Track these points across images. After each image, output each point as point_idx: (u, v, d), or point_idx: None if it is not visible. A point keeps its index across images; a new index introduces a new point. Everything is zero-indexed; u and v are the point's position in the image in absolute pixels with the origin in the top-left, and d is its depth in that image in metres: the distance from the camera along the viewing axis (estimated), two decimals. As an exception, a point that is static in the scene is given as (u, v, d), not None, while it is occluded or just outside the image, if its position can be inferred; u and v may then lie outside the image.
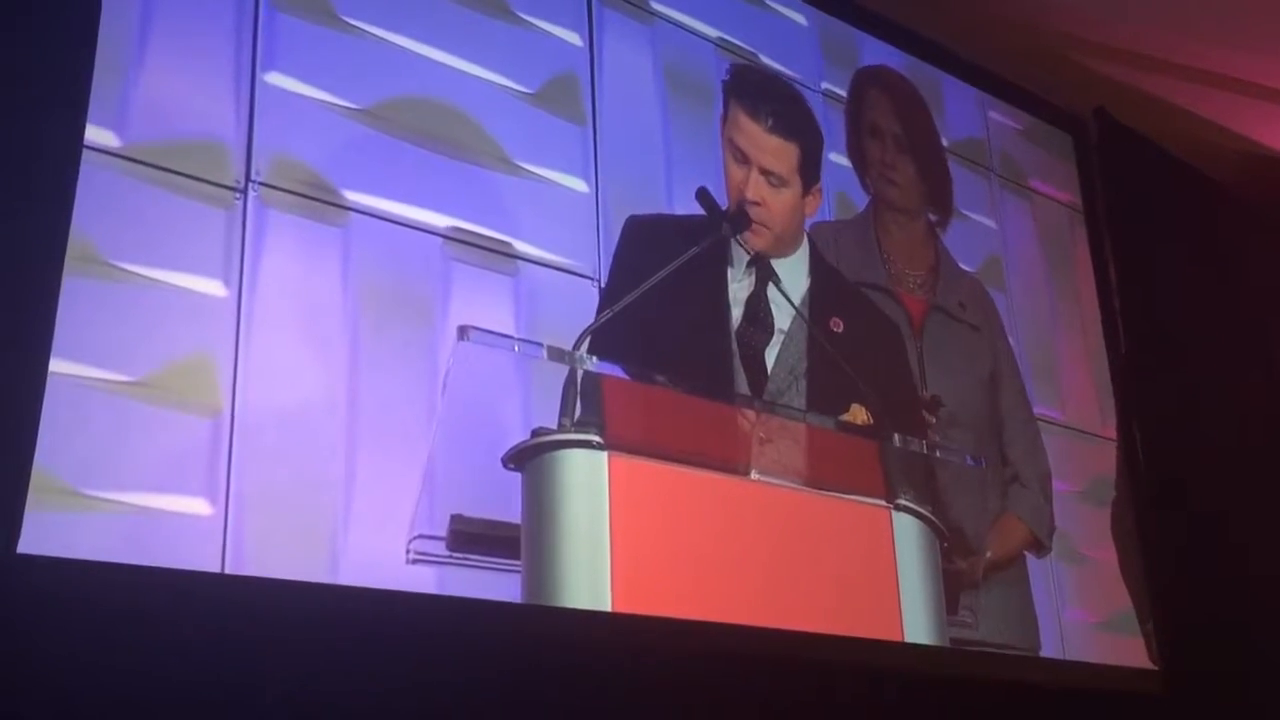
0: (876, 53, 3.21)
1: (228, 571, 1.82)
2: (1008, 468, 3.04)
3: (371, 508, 1.97)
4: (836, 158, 2.98)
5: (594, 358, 2.11)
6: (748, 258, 2.60)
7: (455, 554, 1.99)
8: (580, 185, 2.48)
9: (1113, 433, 3.39)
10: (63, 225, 1.80)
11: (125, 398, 1.80)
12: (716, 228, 2.54)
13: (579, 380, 2.11)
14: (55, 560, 1.66)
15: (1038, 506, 3.06)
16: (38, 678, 1.62)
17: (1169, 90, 3.79)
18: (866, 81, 3.15)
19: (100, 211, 1.85)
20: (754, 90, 2.82)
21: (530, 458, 2.04)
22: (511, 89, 2.43)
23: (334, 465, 1.97)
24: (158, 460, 1.80)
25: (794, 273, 2.70)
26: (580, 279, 2.39)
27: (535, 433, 2.06)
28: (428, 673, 1.94)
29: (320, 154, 2.12)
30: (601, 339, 2.19)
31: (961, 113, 3.37)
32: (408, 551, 1.96)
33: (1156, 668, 3.16)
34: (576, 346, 2.13)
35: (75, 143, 1.86)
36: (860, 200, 3.00)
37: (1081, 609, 3.07)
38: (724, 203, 2.64)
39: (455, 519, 1.99)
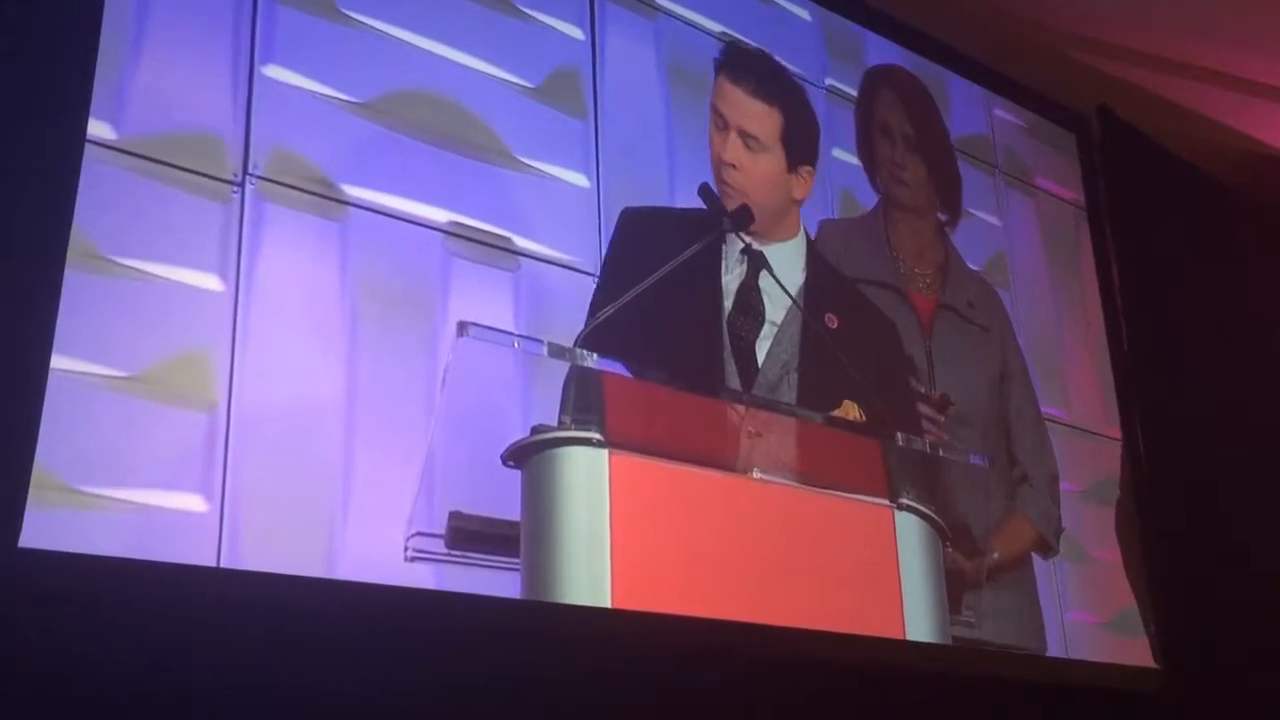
0: (880, 49, 3.20)
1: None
2: (1015, 468, 3.02)
3: (369, 505, 1.95)
4: (841, 154, 2.96)
5: (594, 355, 2.09)
6: (741, 246, 2.57)
7: (454, 552, 1.98)
8: (582, 180, 2.46)
9: (1117, 432, 3.37)
10: (65, 221, 1.79)
11: (120, 393, 1.78)
12: (717, 223, 2.52)
13: (579, 377, 2.09)
14: (59, 555, 1.65)
15: (1045, 508, 3.05)
16: (38, 672, 1.61)
17: (1172, 89, 3.78)
18: (878, 81, 3.13)
19: (95, 205, 1.83)
20: (740, 60, 2.80)
21: (530, 455, 2.03)
22: (513, 83, 2.41)
23: (332, 462, 1.95)
24: (154, 456, 1.78)
25: (788, 264, 2.67)
26: (581, 275, 2.37)
27: (535, 430, 2.05)
28: (427, 668, 1.93)
29: (319, 148, 2.10)
30: (599, 334, 2.17)
31: (966, 109, 3.36)
32: (406, 549, 1.95)
33: (1159, 667, 3.15)
34: (577, 343, 2.11)
35: (78, 140, 1.84)
36: (864, 198, 2.98)
37: (1085, 609, 3.06)
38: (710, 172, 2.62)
39: (454, 516, 1.98)
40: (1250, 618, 3.31)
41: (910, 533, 2.34)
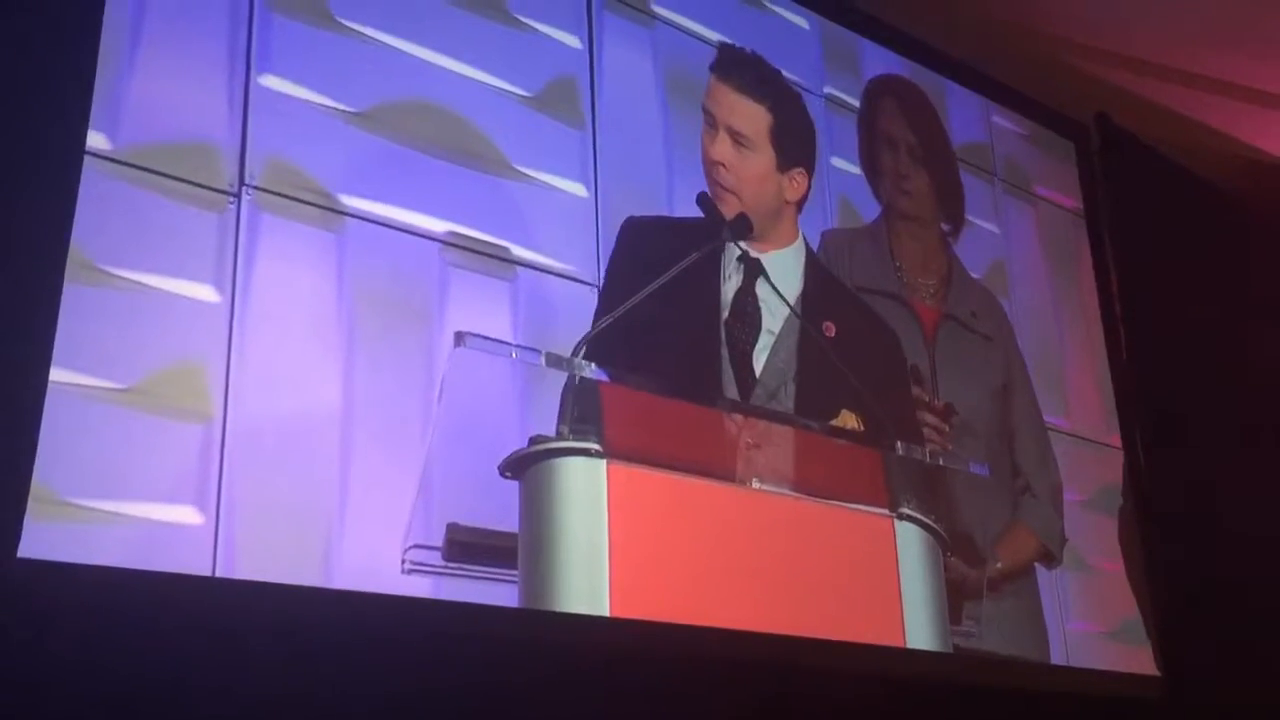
0: (878, 58, 3.19)
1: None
2: (1019, 478, 3.01)
3: (366, 517, 1.94)
4: (840, 163, 2.95)
5: (592, 364, 2.08)
6: (738, 253, 2.57)
7: (451, 564, 1.96)
8: (579, 190, 2.45)
9: (1118, 440, 3.37)
10: (63, 233, 1.78)
11: (116, 405, 1.77)
12: (716, 233, 2.51)
13: (577, 387, 2.08)
14: (57, 565, 1.64)
15: (1049, 518, 3.04)
16: (38, 681, 1.61)
17: (1170, 96, 3.78)
18: (880, 91, 3.13)
19: (91, 215, 1.82)
20: (731, 60, 2.79)
21: (528, 466, 2.01)
22: (510, 92, 2.41)
23: (329, 474, 1.94)
24: (150, 469, 1.77)
25: (787, 272, 2.67)
26: (579, 284, 2.36)
27: (533, 440, 2.04)
28: (425, 677, 1.91)
29: (315, 158, 2.10)
30: (597, 343, 2.16)
31: (965, 117, 3.36)
32: (403, 561, 1.93)
33: (1160, 674, 3.14)
34: (575, 353, 2.10)
35: (77, 152, 1.83)
36: (864, 206, 2.98)
37: (1087, 619, 3.05)
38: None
39: (451, 528, 1.97)
40: (1252, 626, 3.30)
41: (911, 542, 2.32)
